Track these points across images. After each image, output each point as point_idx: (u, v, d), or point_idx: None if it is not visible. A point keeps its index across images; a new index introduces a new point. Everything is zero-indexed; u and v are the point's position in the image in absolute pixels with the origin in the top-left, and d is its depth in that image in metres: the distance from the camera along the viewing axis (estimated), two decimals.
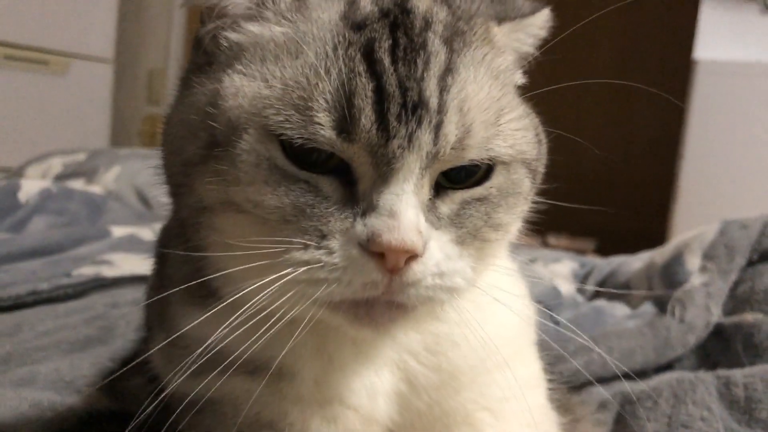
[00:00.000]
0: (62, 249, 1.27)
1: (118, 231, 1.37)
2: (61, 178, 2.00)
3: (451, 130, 0.41)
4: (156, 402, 0.44)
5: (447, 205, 0.44)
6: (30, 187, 1.51)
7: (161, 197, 1.49)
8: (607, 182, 3.09)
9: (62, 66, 3.71)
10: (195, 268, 0.46)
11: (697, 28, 2.50)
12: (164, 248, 0.52)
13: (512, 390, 0.46)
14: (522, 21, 0.48)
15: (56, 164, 2.13)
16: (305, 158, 0.39)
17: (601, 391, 0.83)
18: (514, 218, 0.47)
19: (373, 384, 0.45)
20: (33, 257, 1.22)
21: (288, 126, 0.39)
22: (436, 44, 0.41)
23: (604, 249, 2.14)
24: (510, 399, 0.47)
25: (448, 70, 0.40)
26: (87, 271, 1.15)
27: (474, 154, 0.43)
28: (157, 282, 0.53)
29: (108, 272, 1.14)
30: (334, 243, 0.39)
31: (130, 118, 4.55)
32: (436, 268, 0.41)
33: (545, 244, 2.53)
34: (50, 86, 3.57)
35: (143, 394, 0.55)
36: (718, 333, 0.95)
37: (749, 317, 0.93)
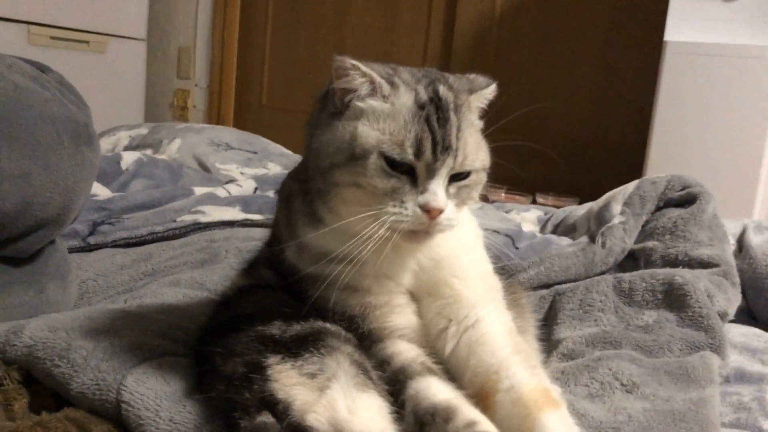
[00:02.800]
0: (161, 203, 1.71)
1: (199, 190, 1.81)
2: (128, 149, 2.42)
3: (459, 159, 0.80)
4: (293, 279, 0.88)
5: (452, 189, 0.82)
6: (128, 157, 1.95)
7: (217, 163, 1.97)
8: (590, 149, 3.45)
9: (101, 45, 3.99)
10: (311, 209, 0.88)
11: (668, 13, 2.79)
12: (288, 199, 0.94)
13: (470, 266, 0.89)
14: (482, 92, 0.87)
15: (124, 137, 2.55)
16: (396, 167, 0.77)
17: (543, 292, 1.28)
18: (477, 194, 0.89)
19: (402, 267, 0.87)
20: (141, 209, 1.67)
21: (392, 152, 0.77)
22: (452, 116, 0.80)
23: None
24: (469, 270, 0.89)
25: (459, 128, 0.80)
26: (187, 218, 1.59)
27: (466, 167, 0.82)
28: (286, 210, 0.94)
29: (202, 219, 1.59)
30: (408, 205, 0.77)
31: (162, 92, 4.86)
32: (447, 218, 0.81)
33: (534, 203, 2.91)
34: (91, 63, 3.92)
35: (268, 275, 0.98)
36: (630, 255, 1.38)
37: (650, 244, 1.36)
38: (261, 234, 1.41)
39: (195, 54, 4.67)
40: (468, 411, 0.74)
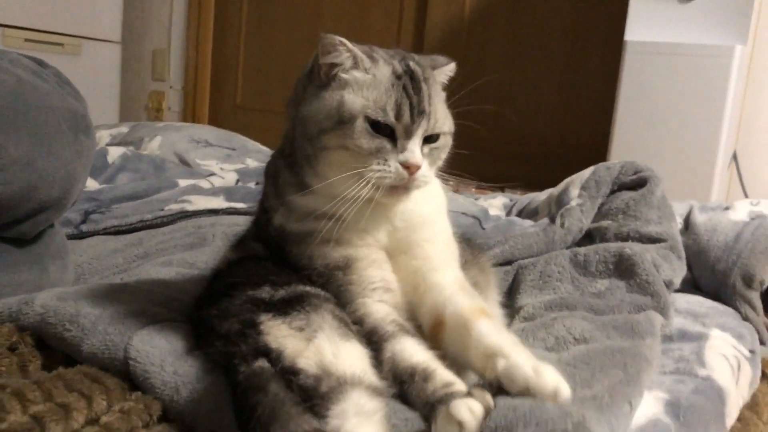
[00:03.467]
0: (147, 194, 1.80)
1: (183, 182, 1.90)
2: (110, 146, 2.50)
3: (432, 121, 0.91)
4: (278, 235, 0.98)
5: (425, 150, 0.93)
6: (114, 151, 2.04)
7: (197, 159, 2.07)
8: (556, 144, 3.59)
9: (76, 47, 4.03)
10: (299, 179, 0.98)
11: (627, 14, 2.93)
12: (275, 173, 1.04)
13: (438, 232, 1.00)
14: (443, 68, 0.98)
15: (105, 135, 2.62)
16: (379, 130, 0.87)
17: (507, 267, 1.39)
18: (445, 155, 1.00)
19: (379, 226, 0.98)
20: (129, 200, 1.75)
21: (376, 115, 0.87)
22: (423, 85, 0.91)
23: None
24: (438, 234, 1.00)
25: (429, 95, 0.91)
26: (174, 207, 1.68)
27: (437, 130, 0.93)
28: (273, 184, 1.03)
29: (189, 207, 1.68)
30: (390, 163, 0.87)
31: (136, 94, 4.91)
32: (423, 175, 0.91)
33: None
34: (66, 66, 3.96)
35: (257, 248, 1.07)
36: (587, 234, 1.50)
37: (605, 223, 1.48)
38: (245, 221, 1.50)
39: (169, 56, 4.73)
40: (444, 372, 0.84)
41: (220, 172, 2.19)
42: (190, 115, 4.69)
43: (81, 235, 1.57)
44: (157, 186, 1.85)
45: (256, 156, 2.51)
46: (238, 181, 2.02)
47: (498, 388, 0.80)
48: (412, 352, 0.86)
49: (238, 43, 4.55)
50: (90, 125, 1.26)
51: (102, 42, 4.21)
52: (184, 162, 2.34)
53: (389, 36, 3.95)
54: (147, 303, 1.06)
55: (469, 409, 0.72)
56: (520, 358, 0.80)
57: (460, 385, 0.81)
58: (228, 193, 1.83)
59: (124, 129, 2.66)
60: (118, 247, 1.47)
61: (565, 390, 0.77)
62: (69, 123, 1.20)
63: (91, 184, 1.83)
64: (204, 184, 1.89)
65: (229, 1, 4.54)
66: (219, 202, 1.74)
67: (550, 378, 0.77)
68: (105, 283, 1.15)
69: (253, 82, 4.54)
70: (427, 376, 0.82)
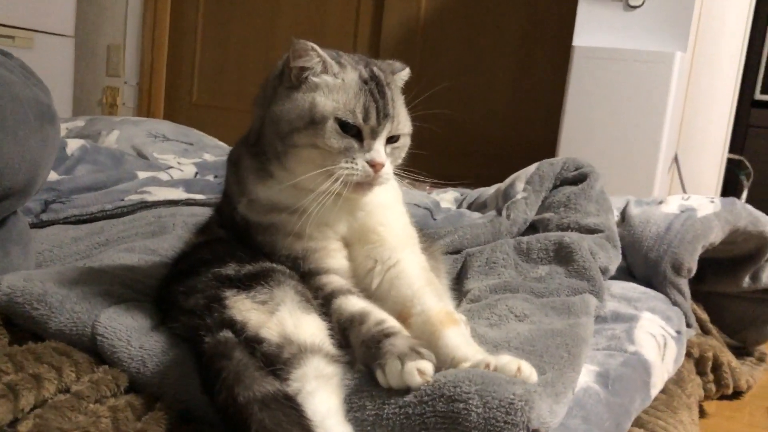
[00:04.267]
0: (107, 186, 1.82)
1: (142, 174, 1.93)
2: (68, 138, 2.50)
3: (395, 123, 0.98)
4: (241, 225, 1.04)
5: (388, 149, 1.00)
6: (73, 143, 2.06)
7: (155, 153, 2.11)
8: (507, 145, 3.70)
9: (27, 41, 3.99)
10: (262, 166, 1.04)
11: (576, 20, 3.05)
12: (238, 162, 1.09)
13: (393, 217, 1.07)
14: (400, 73, 1.06)
15: (61, 129, 2.62)
16: (347, 130, 0.94)
17: (456, 256, 1.47)
18: (404, 154, 1.07)
19: (340, 218, 1.04)
20: (89, 191, 1.78)
21: (346, 117, 0.93)
22: (387, 90, 0.98)
23: None
24: (393, 219, 1.07)
25: (393, 99, 0.98)
26: (134, 197, 1.72)
27: (399, 131, 1.00)
28: (235, 171, 1.09)
29: (149, 198, 1.72)
30: (358, 161, 0.94)
31: (90, 89, 4.87)
32: (386, 172, 0.98)
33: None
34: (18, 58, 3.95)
35: (221, 233, 1.13)
36: (532, 226, 1.59)
37: (547, 215, 1.58)
38: (204, 212, 1.55)
39: (125, 52, 4.71)
40: (378, 313, 0.91)
41: (177, 165, 2.23)
42: (144, 111, 4.68)
43: (41, 224, 1.59)
44: (117, 177, 1.88)
45: (214, 151, 2.55)
46: (197, 174, 2.06)
47: None
48: (354, 302, 0.94)
49: (194, 41, 4.55)
50: (55, 115, 1.30)
51: (55, 36, 4.17)
52: (141, 156, 2.37)
53: (346, 37, 4.02)
54: (112, 284, 1.11)
55: (418, 369, 0.80)
56: (486, 357, 0.87)
57: (391, 322, 0.89)
58: (187, 185, 1.87)
59: (80, 123, 2.66)
60: (79, 236, 1.50)
61: (526, 368, 0.84)
62: (35, 113, 1.23)
63: (51, 175, 1.84)
64: (163, 176, 1.93)
65: None
66: (178, 194, 1.78)
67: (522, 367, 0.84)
68: (71, 266, 1.19)
69: (210, 79, 4.55)
70: (363, 319, 0.89)
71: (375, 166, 0.96)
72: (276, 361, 0.83)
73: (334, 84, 0.97)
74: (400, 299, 0.98)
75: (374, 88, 0.98)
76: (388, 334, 0.86)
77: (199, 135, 2.73)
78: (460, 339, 0.91)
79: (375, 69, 1.01)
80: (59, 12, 4.21)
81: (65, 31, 4.28)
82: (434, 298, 0.97)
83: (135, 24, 4.67)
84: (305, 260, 1.00)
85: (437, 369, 0.84)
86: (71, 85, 4.56)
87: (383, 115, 0.97)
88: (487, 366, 0.84)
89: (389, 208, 1.07)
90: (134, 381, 0.93)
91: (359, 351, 0.87)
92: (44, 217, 1.60)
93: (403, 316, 0.96)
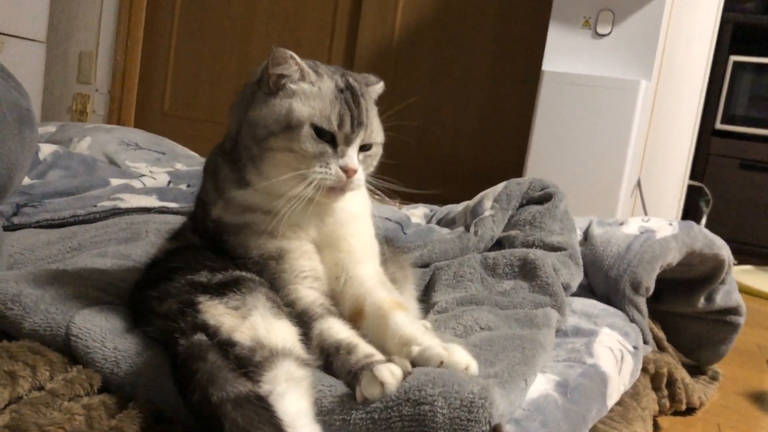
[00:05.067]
0: (79, 191, 1.83)
1: (115, 181, 1.94)
2: (41, 143, 2.49)
3: (368, 132, 1.02)
4: (214, 227, 1.07)
5: (360, 157, 1.04)
6: (46, 148, 2.06)
7: (127, 161, 2.12)
8: (476, 165, 3.77)
9: None
10: (240, 175, 1.07)
11: (545, 45, 3.14)
12: (215, 170, 1.12)
13: (363, 229, 1.11)
14: (374, 86, 1.10)
15: None
16: (322, 136, 0.97)
17: (426, 269, 1.51)
18: (376, 163, 1.11)
19: (311, 221, 1.07)
20: (61, 196, 1.79)
21: (320, 124, 0.97)
22: (361, 100, 1.02)
23: None
24: (361, 231, 1.11)
25: (367, 109, 1.02)
26: (107, 204, 1.73)
27: (372, 140, 1.05)
28: (213, 180, 1.12)
29: (122, 205, 1.73)
30: (331, 167, 0.97)
31: (60, 96, 4.85)
32: (358, 178, 1.02)
33: None
34: None
35: (194, 239, 1.15)
36: (498, 243, 1.64)
37: (513, 233, 1.63)
38: (177, 220, 1.57)
39: (97, 59, 4.69)
40: (365, 346, 0.94)
41: (150, 174, 2.24)
42: (115, 119, 4.66)
43: (13, 227, 1.59)
44: (89, 184, 1.88)
45: (186, 161, 2.56)
46: (169, 182, 2.07)
47: None
48: (338, 330, 0.97)
49: (168, 51, 4.56)
50: (34, 119, 1.31)
51: (26, 40, 4.16)
52: (113, 163, 2.37)
53: (321, 50, 4.07)
54: (86, 287, 1.12)
55: (390, 372, 0.84)
56: (433, 342, 0.93)
57: (379, 356, 0.92)
58: (160, 193, 1.88)
59: (51, 128, 2.66)
60: (51, 240, 1.51)
61: (474, 366, 0.90)
62: (14, 115, 1.25)
63: (23, 179, 1.85)
64: (136, 183, 1.94)
65: (160, 8, 4.55)
66: (152, 201, 1.80)
67: (460, 355, 0.90)
68: (45, 268, 1.20)
69: (182, 89, 4.56)
70: (350, 349, 0.92)
71: (348, 171, 1.00)
72: (248, 363, 0.85)
73: (310, 91, 1.01)
74: (355, 297, 1.04)
75: (349, 97, 1.02)
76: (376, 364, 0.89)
77: (171, 144, 2.74)
78: (407, 320, 0.96)
79: (350, 79, 1.05)
80: (31, 17, 4.21)
81: (37, 36, 4.27)
82: (384, 291, 1.03)
83: (108, 31, 4.67)
84: (279, 260, 1.03)
85: (390, 353, 0.92)
86: (41, 90, 4.55)
87: (357, 123, 1.01)
88: (441, 363, 0.88)
89: (360, 219, 1.11)
90: (108, 381, 0.94)
91: (345, 378, 0.90)
92: (15, 220, 1.61)
93: (357, 310, 1.02)
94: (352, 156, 1.01)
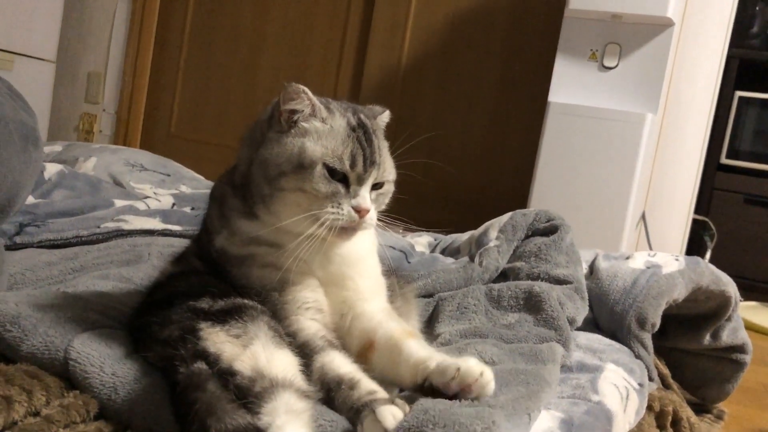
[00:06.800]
0: (83, 212, 1.82)
1: (119, 202, 1.93)
2: (46, 162, 2.49)
3: (381, 171, 1.01)
4: (218, 256, 1.05)
5: (372, 195, 1.03)
6: (51, 168, 2.05)
7: (132, 182, 2.13)
8: (481, 193, 3.77)
9: (7, 63, 4.02)
10: (248, 209, 1.05)
11: (552, 77, 3.15)
12: (222, 200, 1.11)
13: (370, 268, 1.10)
14: (381, 116, 1.10)
15: None
16: (334, 175, 0.96)
17: (429, 299, 1.50)
18: (388, 200, 1.10)
19: (315, 258, 1.06)
20: (65, 216, 1.78)
21: (333, 164, 0.97)
22: (374, 137, 1.01)
23: None
24: (368, 270, 1.09)
25: (380, 148, 1.02)
26: (110, 225, 1.72)
27: (384, 178, 1.04)
28: (219, 208, 1.11)
29: (125, 226, 1.72)
30: (344, 207, 0.96)
31: (68, 115, 4.87)
32: (370, 218, 1.01)
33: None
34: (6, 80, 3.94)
35: (197, 264, 1.14)
36: (503, 273, 1.63)
37: (518, 264, 1.61)
38: (180, 243, 1.56)
39: (105, 79, 4.72)
40: (368, 382, 0.93)
41: (154, 196, 2.23)
42: (121, 139, 4.68)
43: (15, 247, 1.58)
44: (93, 204, 1.88)
45: (191, 183, 2.56)
46: (174, 205, 2.06)
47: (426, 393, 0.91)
48: (340, 363, 0.95)
49: (176, 73, 4.59)
50: (39, 138, 1.31)
51: (36, 60, 4.19)
52: (118, 184, 2.37)
53: (328, 78, 4.09)
54: (87, 310, 1.11)
55: (392, 414, 0.83)
56: (447, 357, 0.94)
57: (382, 393, 0.90)
58: (164, 215, 1.87)
59: (57, 147, 2.66)
60: (52, 260, 1.50)
61: (488, 373, 0.90)
62: (20, 134, 1.25)
63: (27, 198, 1.84)
64: (140, 205, 1.94)
65: (170, 30, 4.59)
66: (155, 223, 1.79)
67: (474, 363, 0.91)
68: (45, 290, 1.19)
69: (189, 112, 4.58)
70: (353, 384, 0.91)
71: (360, 212, 0.99)
72: (248, 394, 0.84)
73: (323, 130, 1.00)
74: (364, 333, 1.03)
75: (362, 135, 1.01)
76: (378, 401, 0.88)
77: (176, 166, 2.74)
78: (420, 345, 0.97)
79: (362, 117, 1.05)
80: (43, 37, 4.24)
81: (47, 55, 4.30)
82: (395, 323, 1.02)
83: (118, 52, 4.69)
84: (282, 292, 1.02)
85: (401, 379, 0.95)
86: (49, 109, 4.57)
87: (370, 162, 1.00)
88: (458, 370, 0.89)
89: (367, 258, 1.10)
90: (104, 408, 0.92)
91: (347, 413, 0.89)
92: (18, 239, 1.60)
93: (368, 345, 1.01)
94: (365, 196, 1.00)
